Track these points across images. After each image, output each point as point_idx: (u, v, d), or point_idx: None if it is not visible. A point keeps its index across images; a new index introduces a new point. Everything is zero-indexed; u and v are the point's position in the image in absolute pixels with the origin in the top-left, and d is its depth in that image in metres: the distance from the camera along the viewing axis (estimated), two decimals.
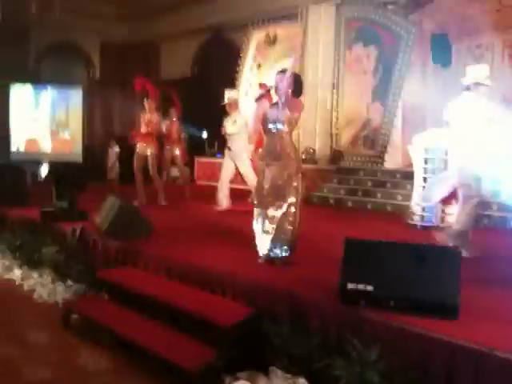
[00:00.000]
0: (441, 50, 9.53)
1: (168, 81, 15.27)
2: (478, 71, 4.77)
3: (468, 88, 4.73)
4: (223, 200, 7.73)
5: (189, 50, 15.03)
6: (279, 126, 4.41)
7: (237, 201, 7.99)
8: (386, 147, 9.29)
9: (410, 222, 6.74)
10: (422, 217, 6.58)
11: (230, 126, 7.67)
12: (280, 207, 4.37)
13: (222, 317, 3.62)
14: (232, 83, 12.62)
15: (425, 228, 6.44)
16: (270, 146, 4.52)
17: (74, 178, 7.07)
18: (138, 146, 8.31)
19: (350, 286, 3.17)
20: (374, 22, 9.42)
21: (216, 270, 4.29)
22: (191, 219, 7.17)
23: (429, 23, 9.40)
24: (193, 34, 14.50)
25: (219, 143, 12.32)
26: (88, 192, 7.40)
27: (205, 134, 12.41)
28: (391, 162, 9.49)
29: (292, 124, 4.46)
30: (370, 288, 3.13)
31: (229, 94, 7.85)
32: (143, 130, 8.31)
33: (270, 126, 4.46)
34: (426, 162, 6.53)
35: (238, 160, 7.64)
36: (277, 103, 4.47)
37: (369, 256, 3.24)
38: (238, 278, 4.08)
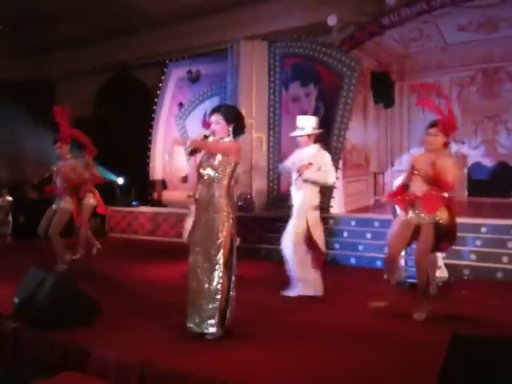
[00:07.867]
0: (382, 89, 9.14)
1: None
2: None
3: None
4: None
5: (90, 89, 13.60)
6: (210, 172, 3.82)
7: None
8: (332, 191, 8.54)
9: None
10: (405, 271, 5.80)
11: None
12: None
13: None
14: (145, 123, 11.56)
15: (412, 285, 5.65)
16: (201, 195, 3.94)
17: None
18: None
19: None
20: (311, 59, 8.77)
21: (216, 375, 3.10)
22: (145, 288, 5.63)
23: (368, 61, 8.96)
24: (94, 72, 13.15)
25: (137, 190, 11.01)
26: None
27: (120, 180, 10.96)
28: (336, 207, 8.80)
29: (226, 169, 3.82)
30: None
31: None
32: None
33: (202, 172, 3.88)
34: None
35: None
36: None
37: (487, 361, 2.27)
38: None
